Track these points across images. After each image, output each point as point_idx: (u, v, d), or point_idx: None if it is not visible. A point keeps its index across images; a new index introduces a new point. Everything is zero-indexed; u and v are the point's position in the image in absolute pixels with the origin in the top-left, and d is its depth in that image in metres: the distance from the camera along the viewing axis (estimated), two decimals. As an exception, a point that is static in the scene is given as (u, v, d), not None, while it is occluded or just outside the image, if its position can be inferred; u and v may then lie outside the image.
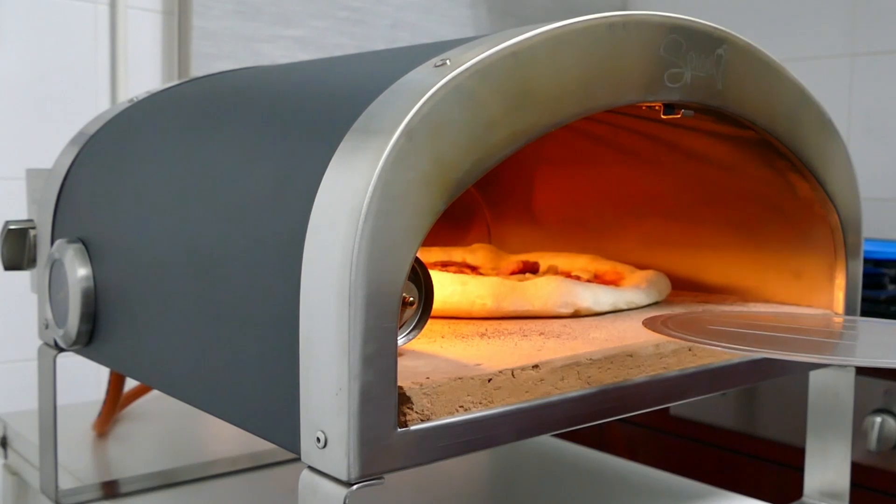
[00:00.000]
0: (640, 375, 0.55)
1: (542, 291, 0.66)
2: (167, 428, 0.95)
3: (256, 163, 0.52)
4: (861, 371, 1.01)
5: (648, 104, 0.57)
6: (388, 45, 1.59)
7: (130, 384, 0.94)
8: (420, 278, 0.53)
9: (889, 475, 1.08)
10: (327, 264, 0.42)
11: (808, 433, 0.74)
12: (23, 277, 0.90)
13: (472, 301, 0.65)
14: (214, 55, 1.39)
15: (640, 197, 0.83)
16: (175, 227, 0.57)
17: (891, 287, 1.21)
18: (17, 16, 1.26)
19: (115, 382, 0.91)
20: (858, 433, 1.07)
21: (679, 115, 0.59)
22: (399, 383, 0.44)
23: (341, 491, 0.42)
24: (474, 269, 0.82)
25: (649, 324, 0.54)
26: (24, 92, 1.27)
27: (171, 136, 0.64)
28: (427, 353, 0.53)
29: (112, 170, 0.68)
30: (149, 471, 0.80)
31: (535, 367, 0.50)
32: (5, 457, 0.97)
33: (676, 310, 0.71)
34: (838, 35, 1.61)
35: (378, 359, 0.42)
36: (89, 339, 0.67)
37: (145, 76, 1.38)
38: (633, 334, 0.59)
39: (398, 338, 0.44)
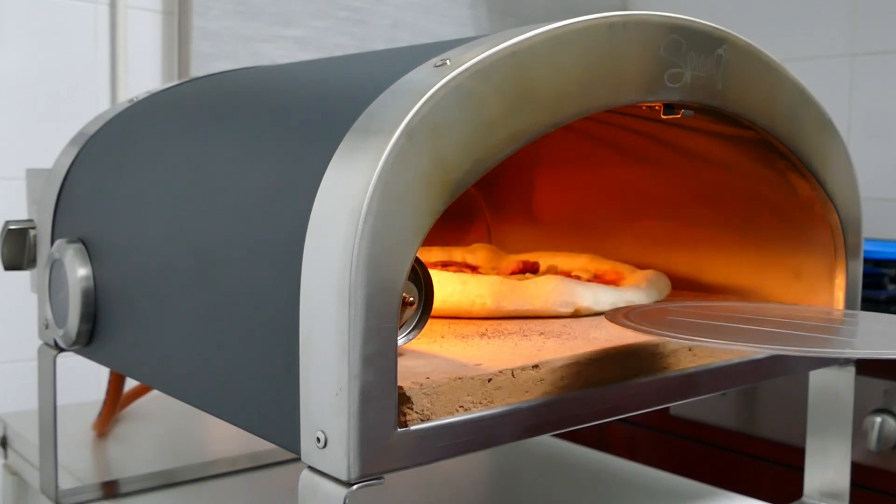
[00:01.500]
0: (640, 375, 0.55)
1: (542, 290, 0.66)
2: (167, 428, 0.95)
3: (256, 163, 0.52)
4: (861, 371, 1.01)
5: (648, 104, 0.57)
6: (388, 45, 1.59)
7: (130, 384, 0.94)
8: (420, 278, 0.53)
9: (889, 475, 1.08)
10: (327, 264, 0.42)
11: (808, 433, 0.74)
12: (23, 277, 0.90)
13: (472, 300, 0.65)
14: (214, 55, 1.39)
15: (641, 197, 0.83)
16: (175, 227, 0.57)
17: (891, 287, 1.21)
18: (17, 16, 1.26)
19: (115, 382, 0.91)
20: (858, 433, 1.07)
21: (679, 115, 0.59)
22: (399, 383, 0.44)
23: (341, 491, 0.42)
24: (474, 269, 0.82)
25: (611, 316, 0.54)
26: (24, 92, 1.27)
27: (171, 136, 0.64)
28: (427, 353, 0.53)
29: (112, 170, 0.68)
30: (149, 471, 0.80)
31: (535, 367, 0.50)
32: (5, 457, 0.97)
33: (676, 310, 0.71)
34: (838, 35, 1.61)
35: (378, 359, 0.42)
36: (89, 339, 0.67)
37: (145, 76, 1.38)
38: (632, 334, 0.59)
39: (398, 338, 0.44)
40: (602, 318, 0.67)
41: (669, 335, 0.48)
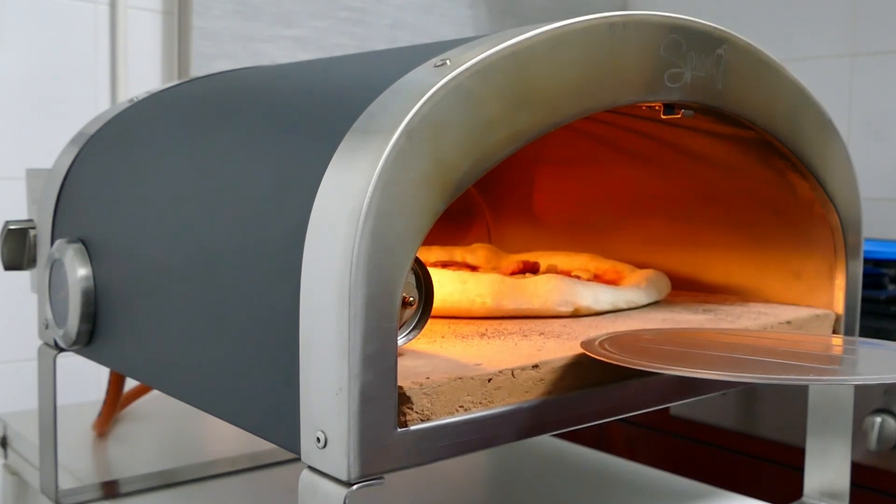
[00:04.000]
0: (640, 375, 0.55)
1: (542, 289, 0.66)
2: (167, 428, 0.95)
3: (256, 163, 0.52)
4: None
5: (648, 104, 0.57)
6: (388, 45, 1.59)
7: (130, 384, 0.94)
8: (420, 278, 0.53)
9: (889, 475, 1.08)
10: (327, 264, 0.42)
11: (808, 433, 0.74)
12: (23, 277, 0.90)
13: (471, 299, 0.65)
14: (214, 55, 1.39)
15: (641, 197, 0.83)
16: (175, 227, 0.57)
17: (891, 287, 1.21)
18: (18, 16, 1.26)
19: (115, 382, 0.91)
20: (858, 433, 1.07)
21: (679, 115, 0.59)
22: (399, 383, 0.44)
23: (341, 491, 0.42)
24: (474, 269, 0.82)
25: (586, 345, 0.54)
26: (24, 92, 1.27)
27: (171, 136, 0.64)
28: (427, 353, 0.53)
29: (112, 170, 0.68)
30: (149, 471, 0.80)
31: (535, 367, 0.50)
32: (5, 457, 0.97)
33: (676, 309, 0.71)
34: (838, 35, 1.61)
35: (378, 359, 0.42)
36: (89, 339, 0.67)
37: (145, 76, 1.38)
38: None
39: (398, 338, 0.44)
40: (602, 317, 0.67)
41: (644, 365, 0.49)
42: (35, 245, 0.76)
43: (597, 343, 0.54)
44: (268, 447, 0.84)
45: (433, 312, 0.54)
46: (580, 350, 0.53)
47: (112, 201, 0.66)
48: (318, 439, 0.43)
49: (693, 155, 0.74)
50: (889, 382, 0.46)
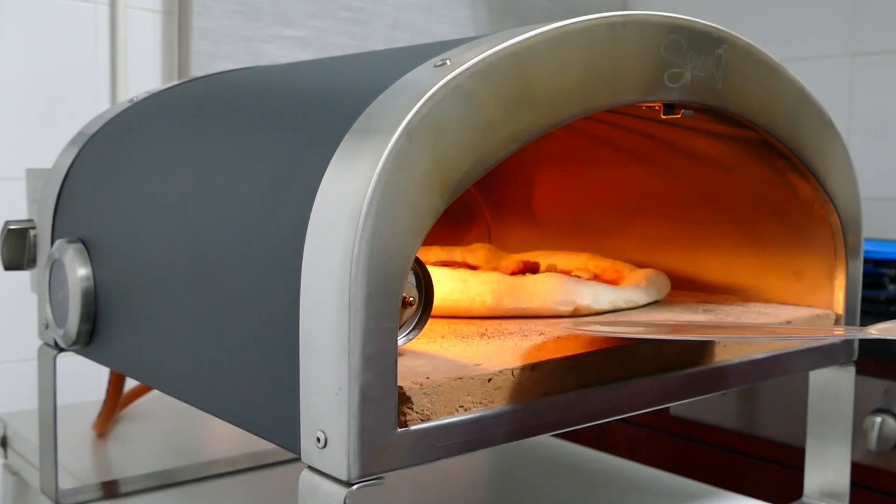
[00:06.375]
0: (640, 375, 0.55)
1: (542, 289, 0.66)
2: (167, 428, 0.95)
3: (256, 163, 0.52)
4: (861, 371, 1.01)
5: (648, 104, 0.57)
6: (388, 45, 1.59)
7: (130, 384, 0.94)
8: (420, 278, 0.53)
9: (889, 475, 1.08)
10: (327, 264, 0.42)
11: (808, 433, 0.74)
12: (23, 277, 0.90)
13: (472, 298, 0.65)
14: (214, 55, 1.39)
15: (640, 197, 0.83)
16: (175, 227, 0.57)
17: (891, 287, 1.21)
18: (18, 16, 1.26)
19: (115, 382, 0.91)
20: (858, 433, 1.07)
21: (679, 115, 0.59)
22: (399, 383, 0.44)
23: (341, 491, 0.42)
24: (474, 269, 0.82)
25: (576, 323, 0.55)
26: (24, 92, 1.27)
27: (171, 136, 0.64)
28: (427, 353, 0.53)
29: (112, 170, 0.68)
30: (149, 471, 0.80)
31: (535, 367, 0.50)
32: (5, 457, 0.97)
33: (676, 309, 0.71)
34: (838, 35, 1.61)
35: (378, 359, 0.42)
36: (89, 339, 0.67)
37: (145, 76, 1.38)
38: (633, 334, 0.59)
39: (398, 338, 0.44)
40: (602, 317, 0.67)
41: (632, 333, 0.49)
42: (35, 245, 0.76)
43: (583, 324, 0.55)
44: (268, 447, 0.84)
45: (433, 312, 0.54)
46: (580, 350, 0.53)
47: (112, 201, 0.66)
48: (318, 439, 0.43)
49: (693, 155, 0.74)
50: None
